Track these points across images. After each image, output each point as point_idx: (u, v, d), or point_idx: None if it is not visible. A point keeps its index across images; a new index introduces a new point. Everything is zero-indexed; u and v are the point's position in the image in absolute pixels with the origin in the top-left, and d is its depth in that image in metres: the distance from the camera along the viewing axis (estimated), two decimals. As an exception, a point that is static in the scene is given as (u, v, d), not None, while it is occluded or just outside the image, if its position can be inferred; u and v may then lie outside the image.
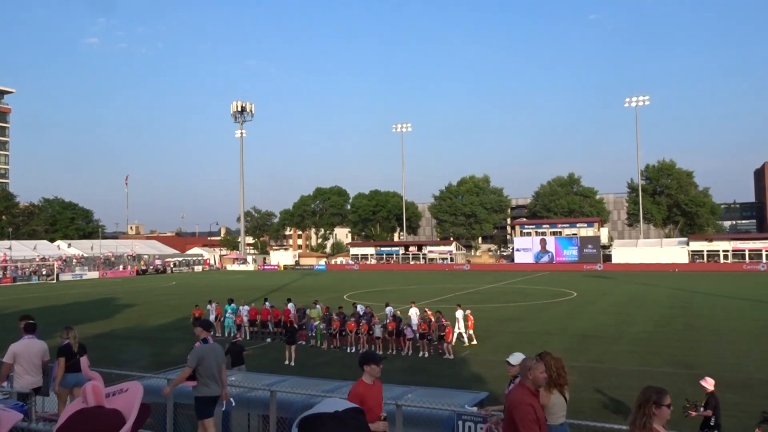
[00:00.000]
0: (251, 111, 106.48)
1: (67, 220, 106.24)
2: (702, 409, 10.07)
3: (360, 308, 23.76)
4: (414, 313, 22.75)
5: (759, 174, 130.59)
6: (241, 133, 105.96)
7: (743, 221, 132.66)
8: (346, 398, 6.20)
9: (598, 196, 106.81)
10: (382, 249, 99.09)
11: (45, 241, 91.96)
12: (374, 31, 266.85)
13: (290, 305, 25.28)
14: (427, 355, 20.70)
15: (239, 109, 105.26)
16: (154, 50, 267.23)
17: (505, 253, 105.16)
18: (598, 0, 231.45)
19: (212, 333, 9.47)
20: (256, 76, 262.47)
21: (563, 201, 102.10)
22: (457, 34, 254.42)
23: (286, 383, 10.26)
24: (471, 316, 23.34)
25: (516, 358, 7.27)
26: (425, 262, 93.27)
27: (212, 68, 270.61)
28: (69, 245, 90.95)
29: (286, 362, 19.83)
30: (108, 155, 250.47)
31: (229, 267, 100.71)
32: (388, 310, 23.63)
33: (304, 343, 23.32)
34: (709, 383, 10.44)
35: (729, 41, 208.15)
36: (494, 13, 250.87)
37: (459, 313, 23.04)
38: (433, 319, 21.22)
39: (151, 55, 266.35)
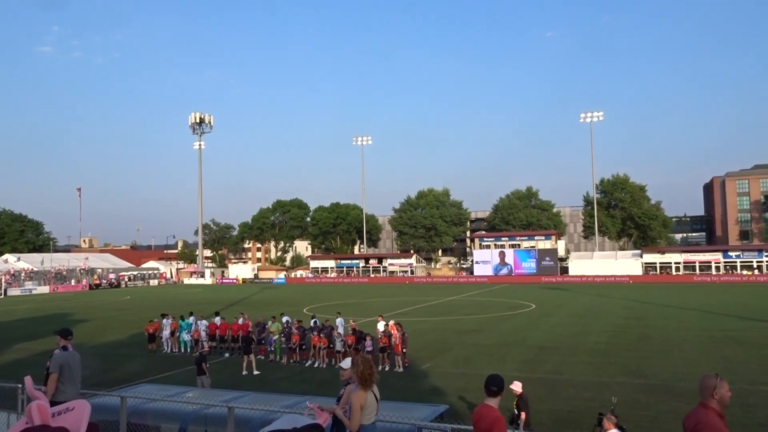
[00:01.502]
0: (210, 122, 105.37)
1: (16, 232, 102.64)
2: (516, 411, 11.09)
3: (285, 319, 24.25)
4: (340, 323, 23.78)
5: (708, 188, 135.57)
6: (200, 144, 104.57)
7: (693, 234, 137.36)
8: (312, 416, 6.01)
9: (555, 209, 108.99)
10: (343, 262, 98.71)
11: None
12: (335, 43, 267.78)
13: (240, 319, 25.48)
14: (387, 368, 20.65)
15: (198, 120, 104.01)
16: (110, 60, 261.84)
17: (464, 266, 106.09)
18: (555, 18, 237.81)
19: (71, 340, 9.50)
20: (215, 87, 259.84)
21: (521, 214, 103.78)
22: (418, 49, 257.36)
23: (244, 399, 10.07)
24: (394, 328, 23.40)
25: (347, 362, 7.37)
26: (386, 274, 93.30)
27: (170, 79, 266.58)
28: (18, 259, 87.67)
29: (244, 372, 20.16)
30: (61, 166, 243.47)
31: (187, 281, 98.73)
32: (313, 322, 23.97)
33: (263, 357, 23.02)
34: (517, 386, 11.36)
35: (679, 61, 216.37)
36: (454, 28, 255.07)
37: (380, 325, 22.88)
38: (352, 331, 21.87)
39: (106, 65, 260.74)
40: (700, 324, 31.75)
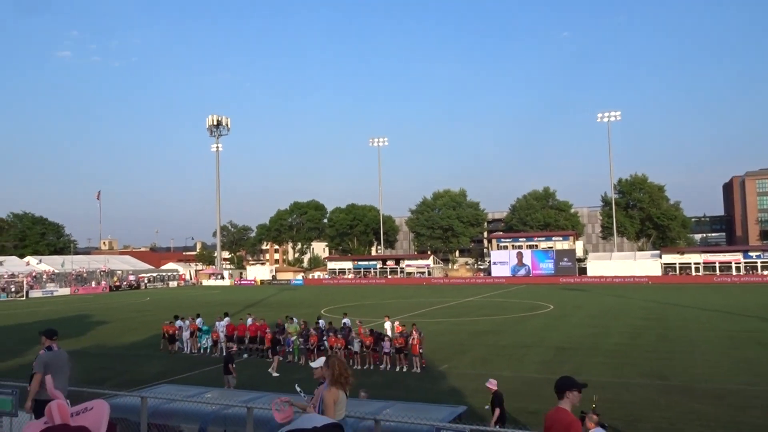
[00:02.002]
0: (227, 125, 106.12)
1: (37, 235, 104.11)
2: (488, 406, 11.88)
3: (321, 323, 24.92)
4: (347, 324, 24.44)
5: (727, 188, 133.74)
6: (217, 147, 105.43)
7: (713, 234, 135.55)
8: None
9: (572, 210, 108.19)
10: (360, 263, 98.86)
11: (14, 257, 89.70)
12: (350, 45, 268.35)
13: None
14: (404, 369, 20.68)
15: (215, 123, 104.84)
16: (128, 63, 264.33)
17: (482, 267, 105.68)
18: (570, 18, 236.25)
19: (56, 340, 9.77)
20: (231, 90, 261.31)
21: (539, 214, 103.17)
22: (433, 49, 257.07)
23: (263, 399, 10.15)
24: (400, 327, 23.60)
25: (318, 362, 7.81)
26: (403, 275, 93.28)
27: (187, 82, 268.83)
28: (39, 261, 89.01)
29: (270, 370, 20.70)
30: (80, 169, 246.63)
31: (205, 282, 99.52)
32: (319, 322, 24.79)
33: (282, 358, 23.15)
34: (492, 384, 12.17)
35: (697, 60, 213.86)
36: (469, 28, 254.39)
37: (387, 325, 23.22)
38: (369, 332, 22.30)
39: (124, 69, 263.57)
40: (721, 325, 31.35)
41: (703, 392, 16.49)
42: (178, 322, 26.58)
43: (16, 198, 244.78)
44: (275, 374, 20.33)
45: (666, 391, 16.75)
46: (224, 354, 19.25)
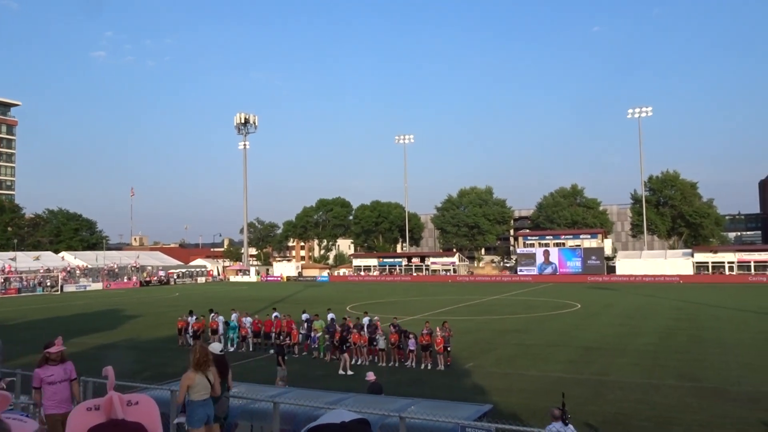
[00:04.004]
0: (255, 123, 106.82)
1: (71, 231, 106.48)
2: None
3: (330, 316, 25.49)
4: (330, 318, 25.05)
5: (764, 185, 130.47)
6: (245, 144, 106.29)
7: (748, 233, 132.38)
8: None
9: (601, 208, 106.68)
10: (385, 260, 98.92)
11: (49, 252, 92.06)
12: (377, 42, 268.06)
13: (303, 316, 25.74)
14: (429, 366, 20.64)
15: (243, 120, 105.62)
16: (161, 63, 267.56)
17: (508, 265, 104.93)
18: (601, 13, 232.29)
19: None
20: (259, 88, 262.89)
21: (566, 212, 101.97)
22: (460, 46, 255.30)
23: (289, 395, 10.24)
24: (378, 323, 23.49)
25: (214, 347, 8.90)
26: (428, 273, 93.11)
27: (217, 80, 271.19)
28: (74, 257, 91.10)
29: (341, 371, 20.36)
30: (112, 167, 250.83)
31: (232, 278, 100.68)
32: (330, 318, 25.22)
33: (306, 353, 23.34)
34: (370, 377, 13.57)
35: (731, 54, 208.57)
36: (497, 24, 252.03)
37: (365, 320, 23.06)
38: (394, 328, 22.10)
39: (157, 68, 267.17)
40: (757, 326, 30.60)
41: (737, 395, 16.12)
42: (213, 316, 27.07)
43: (52, 195, 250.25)
44: (349, 372, 20.04)
45: (698, 394, 16.42)
46: (275, 348, 20.19)
